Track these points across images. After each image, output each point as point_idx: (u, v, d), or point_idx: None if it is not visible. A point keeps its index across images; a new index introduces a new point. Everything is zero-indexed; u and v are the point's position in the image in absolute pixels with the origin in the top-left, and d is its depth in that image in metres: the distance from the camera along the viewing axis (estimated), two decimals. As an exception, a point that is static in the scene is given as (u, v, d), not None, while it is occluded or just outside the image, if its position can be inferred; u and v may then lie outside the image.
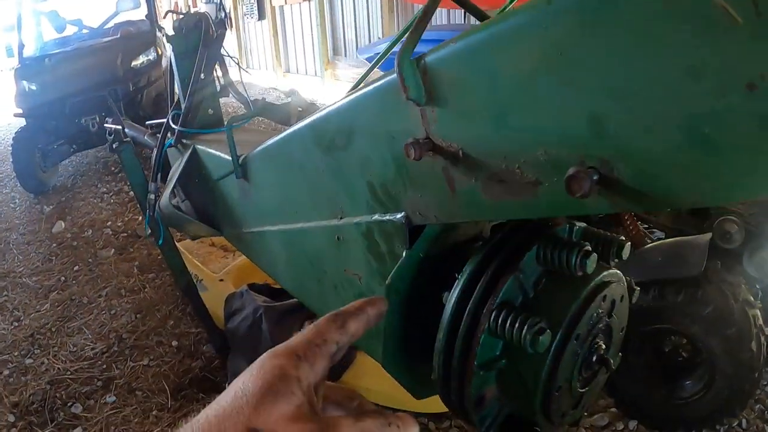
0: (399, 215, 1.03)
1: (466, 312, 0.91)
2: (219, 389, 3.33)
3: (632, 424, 3.08)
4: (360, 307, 0.77)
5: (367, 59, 6.65)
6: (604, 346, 1.00)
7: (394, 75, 0.87)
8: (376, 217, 1.10)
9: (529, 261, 0.92)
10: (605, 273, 0.96)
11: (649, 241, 3.27)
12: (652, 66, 0.58)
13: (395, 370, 1.14)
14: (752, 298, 2.75)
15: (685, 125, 0.58)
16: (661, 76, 0.58)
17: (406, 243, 1.03)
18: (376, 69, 1.54)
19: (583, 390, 1.03)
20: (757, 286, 3.36)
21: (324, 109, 1.18)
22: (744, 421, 3.12)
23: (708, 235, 2.79)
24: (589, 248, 0.89)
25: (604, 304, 0.96)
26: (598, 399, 3.21)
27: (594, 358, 0.98)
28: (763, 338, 2.72)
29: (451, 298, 0.94)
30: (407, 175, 0.97)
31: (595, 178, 0.66)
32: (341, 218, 1.23)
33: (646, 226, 3.71)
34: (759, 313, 2.74)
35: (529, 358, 0.90)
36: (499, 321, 0.87)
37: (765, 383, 3.35)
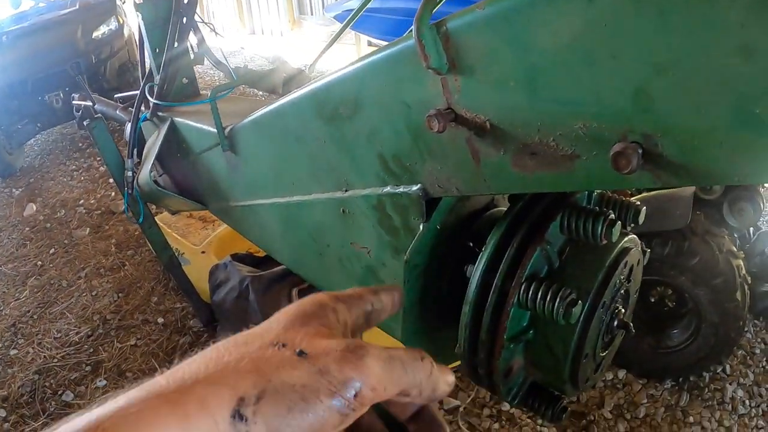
0: (415, 187, 1.00)
1: (494, 286, 0.89)
2: (208, 363, 3.33)
3: (621, 373, 3.14)
4: (388, 288, 0.72)
5: (335, 17, 6.51)
6: (623, 311, 1.00)
7: (408, 42, 0.84)
8: (387, 189, 1.07)
9: (553, 231, 0.90)
10: (625, 239, 0.95)
11: (630, 194, 3.29)
12: (704, 42, 0.56)
13: (416, 342, 1.13)
14: (736, 249, 2.79)
15: (736, 104, 0.56)
16: (712, 54, 0.56)
17: (423, 215, 1.00)
18: (348, 29, 1.48)
19: (604, 354, 1.03)
20: (735, 236, 3.42)
21: (324, 78, 1.14)
22: (728, 366, 3.20)
23: (692, 188, 2.81)
24: (613, 217, 0.87)
25: (625, 270, 0.95)
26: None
27: (615, 323, 0.98)
28: (746, 287, 2.77)
29: (476, 271, 0.92)
30: (425, 146, 0.93)
31: (639, 152, 0.64)
32: (346, 190, 1.19)
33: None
34: (742, 263, 2.79)
35: (558, 329, 0.89)
36: (529, 294, 0.85)
37: (746, 329, 3.43)
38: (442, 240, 1.04)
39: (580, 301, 0.84)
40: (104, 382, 3.35)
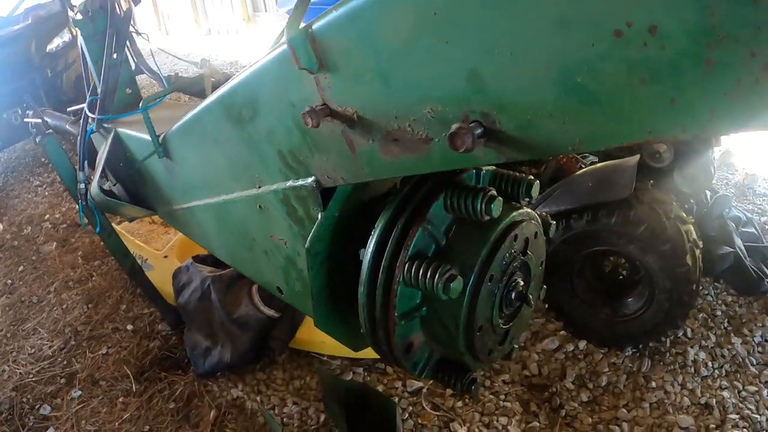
0: (310, 180, 1.04)
1: (381, 266, 0.94)
2: (180, 365, 3.36)
3: (582, 344, 3.17)
4: None
5: (288, 12, 6.48)
6: (522, 283, 1.04)
7: (286, 45, 0.88)
8: (289, 183, 1.11)
9: (437, 210, 0.94)
10: (515, 213, 1.00)
11: (582, 167, 3.34)
12: (524, 20, 0.60)
13: (329, 328, 1.17)
14: (684, 214, 2.83)
15: (559, 76, 0.61)
16: (532, 30, 0.60)
17: (320, 205, 1.05)
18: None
19: (507, 326, 1.07)
20: (692, 201, 3.47)
21: (230, 82, 1.18)
22: (689, 330, 3.25)
23: (636, 157, 2.86)
24: (494, 193, 0.91)
25: (517, 244, 1.00)
26: (546, 324, 3.31)
27: (513, 296, 1.02)
28: (698, 251, 2.81)
29: (367, 253, 0.97)
30: (311, 141, 0.98)
31: (478, 132, 0.68)
32: (260, 187, 1.24)
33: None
34: (692, 228, 2.82)
35: (447, 304, 0.93)
36: (413, 272, 0.90)
37: (706, 293, 3.48)
38: (343, 226, 1.09)
39: (460, 277, 0.88)
40: (79, 392, 3.37)
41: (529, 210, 1.05)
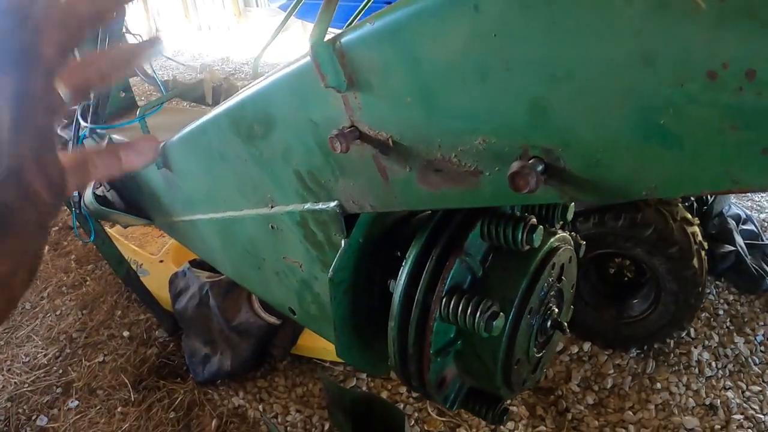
0: (332, 204, 0.97)
1: (415, 301, 0.88)
2: (178, 373, 3.30)
3: (587, 346, 3.16)
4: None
5: (280, 7, 6.36)
6: (557, 311, 0.99)
7: (308, 59, 0.81)
8: (308, 206, 1.04)
9: (473, 240, 0.88)
10: (552, 240, 0.94)
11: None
12: (599, 50, 0.54)
13: (352, 358, 1.11)
14: (690, 216, 2.81)
15: (639, 115, 0.54)
16: (609, 62, 0.54)
17: (343, 231, 0.98)
18: (294, 18, 1.45)
19: (540, 354, 1.02)
20: (692, 199, 3.45)
21: (239, 94, 1.11)
22: (692, 330, 3.24)
23: (641, 157, 2.82)
24: (534, 221, 0.85)
25: (554, 272, 0.94)
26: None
27: (548, 324, 0.97)
28: (703, 253, 2.79)
29: (398, 286, 0.90)
30: (337, 163, 0.91)
31: (540, 168, 0.62)
32: (272, 207, 1.17)
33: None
34: (698, 230, 2.81)
35: (485, 339, 0.88)
36: (450, 308, 0.84)
37: (708, 291, 3.46)
38: (368, 253, 1.02)
39: (502, 313, 0.82)
40: (76, 402, 3.31)
41: (565, 234, 0.99)
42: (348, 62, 0.76)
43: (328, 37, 0.78)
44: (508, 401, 1.04)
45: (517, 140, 0.64)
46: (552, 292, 0.95)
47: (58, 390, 3.44)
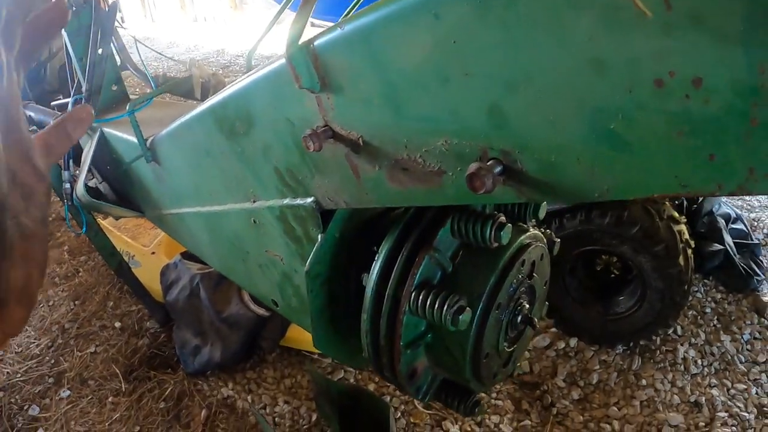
0: (309, 200, 1.00)
1: (386, 295, 0.90)
2: (169, 364, 3.32)
3: (573, 341, 3.18)
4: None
5: (277, 1, 6.34)
6: (527, 306, 1.01)
7: (284, 61, 0.83)
8: (287, 201, 1.07)
9: (444, 236, 0.91)
10: (522, 237, 0.97)
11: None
12: (553, 58, 0.56)
13: (329, 349, 1.14)
14: (677, 214, 2.83)
15: (590, 119, 0.57)
16: (562, 68, 0.56)
17: (320, 227, 1.01)
18: (287, 9, 1.47)
19: (512, 349, 1.04)
20: (682, 197, 3.46)
21: (223, 92, 1.13)
22: (679, 327, 3.26)
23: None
24: (503, 219, 0.88)
25: (524, 268, 0.97)
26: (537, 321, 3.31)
27: (519, 319, 1.00)
28: (690, 251, 2.81)
29: (371, 280, 0.93)
30: (312, 161, 0.94)
31: (498, 170, 0.64)
32: (254, 201, 1.20)
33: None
34: (685, 228, 2.82)
35: (453, 333, 0.90)
36: (419, 302, 0.87)
37: (695, 290, 3.49)
38: (344, 247, 1.05)
39: (468, 308, 0.85)
40: (68, 392, 3.33)
41: (536, 232, 1.02)
42: (321, 65, 0.79)
43: (304, 39, 0.81)
44: (483, 394, 1.06)
45: (477, 142, 0.66)
46: (522, 288, 0.98)
47: (50, 380, 3.46)
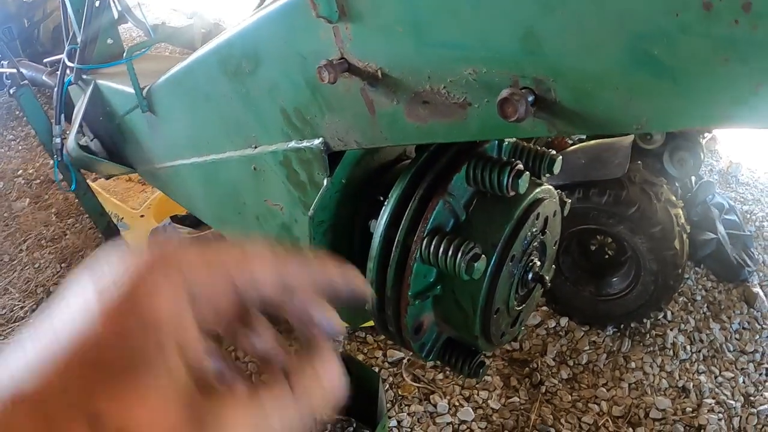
0: (317, 141, 0.96)
1: (396, 241, 0.86)
2: (153, 328, 3.28)
3: (564, 321, 3.18)
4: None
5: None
6: (539, 263, 0.98)
7: (298, -9, 0.79)
8: (292, 144, 1.02)
9: (458, 183, 0.87)
10: (537, 190, 0.93)
11: (570, 142, 3.30)
12: None
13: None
14: (674, 198, 2.82)
15: (631, 44, 0.53)
16: None
17: (326, 170, 0.97)
18: None
19: (520, 308, 1.01)
20: (677, 185, 3.46)
21: (227, 31, 1.08)
22: (669, 313, 3.26)
23: (630, 137, 2.82)
24: (521, 167, 0.84)
25: (538, 222, 0.93)
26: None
27: (530, 276, 0.96)
28: (685, 236, 2.80)
29: (379, 226, 0.89)
30: (323, 98, 0.89)
31: (530, 99, 0.61)
32: (255, 147, 1.15)
33: (570, 129, 3.73)
34: (681, 212, 2.81)
35: (465, 284, 0.86)
36: (431, 249, 0.82)
37: (687, 277, 3.49)
38: (350, 194, 1.01)
39: (483, 256, 0.81)
40: (51, 354, 3.30)
41: (550, 187, 0.98)
42: (341, -9, 0.75)
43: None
44: (485, 356, 1.02)
45: (507, 70, 0.62)
46: (535, 244, 0.95)
47: (35, 342, 3.43)
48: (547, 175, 0.99)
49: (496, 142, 0.95)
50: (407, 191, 0.88)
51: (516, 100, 0.58)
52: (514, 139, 0.99)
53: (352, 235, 1.03)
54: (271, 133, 1.07)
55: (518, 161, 0.87)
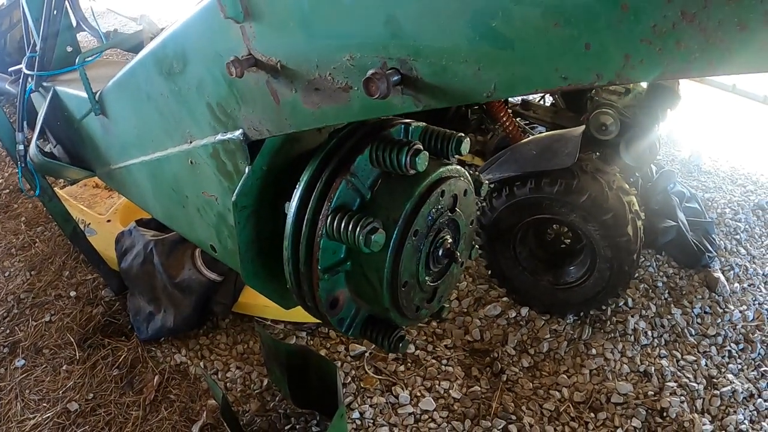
0: (237, 132, 1.03)
1: (305, 219, 0.93)
2: (123, 331, 3.31)
3: (524, 311, 3.23)
4: None
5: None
6: (450, 240, 1.04)
7: (214, -5, 0.86)
8: (218, 137, 1.09)
9: (362, 164, 0.94)
10: (442, 169, 0.99)
11: (528, 136, 3.37)
12: None
13: (258, 285, 1.16)
14: (627, 186, 2.88)
15: (473, 20, 0.60)
16: None
17: (247, 159, 1.04)
18: None
19: (436, 284, 1.07)
20: (637, 175, 3.53)
21: (162, 34, 1.15)
22: (630, 299, 3.33)
23: (581, 128, 2.88)
24: (419, 146, 0.91)
25: (444, 200, 0.99)
26: (489, 290, 3.36)
27: (441, 253, 1.03)
28: (639, 222, 2.86)
29: (291, 206, 0.96)
30: (238, 92, 0.97)
31: (395, 78, 0.68)
32: (191, 142, 1.22)
33: (528, 122, 3.80)
34: (635, 199, 2.88)
35: (371, 258, 0.93)
36: (335, 225, 0.89)
37: (648, 264, 3.56)
38: (272, 181, 1.07)
39: (381, 229, 0.88)
40: (23, 361, 3.31)
41: (459, 167, 1.05)
42: (244, -7, 0.82)
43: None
44: (407, 331, 1.09)
45: (376, 53, 0.70)
46: (443, 220, 1.01)
47: (5, 350, 3.44)
48: (455, 156, 1.06)
49: (403, 126, 1.02)
50: (315, 174, 0.95)
51: (377, 79, 0.66)
52: (423, 123, 1.05)
53: (277, 222, 1.09)
54: (202, 128, 1.14)
55: (416, 141, 0.93)
